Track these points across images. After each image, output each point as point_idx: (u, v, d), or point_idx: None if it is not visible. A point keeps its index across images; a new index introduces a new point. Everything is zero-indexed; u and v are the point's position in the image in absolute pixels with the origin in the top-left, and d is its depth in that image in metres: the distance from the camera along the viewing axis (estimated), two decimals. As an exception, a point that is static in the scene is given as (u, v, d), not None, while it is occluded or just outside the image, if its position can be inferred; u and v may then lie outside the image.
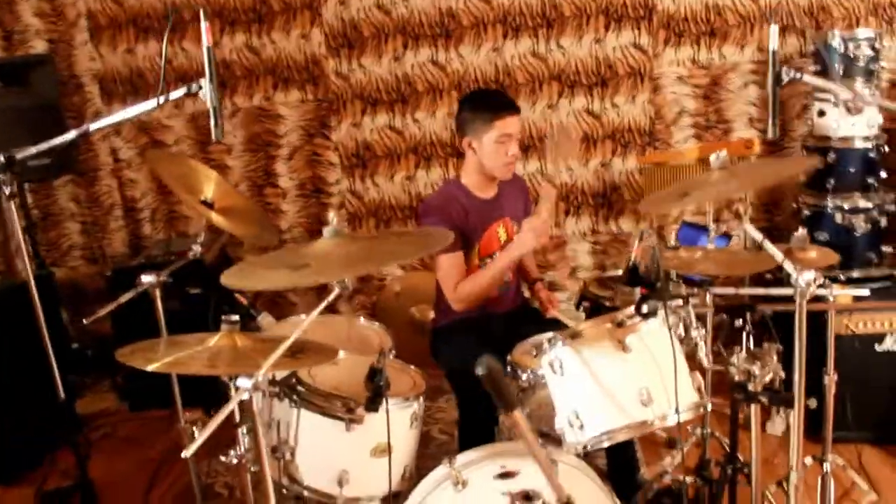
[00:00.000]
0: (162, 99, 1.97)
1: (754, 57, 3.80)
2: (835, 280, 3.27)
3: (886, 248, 3.46)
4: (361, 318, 2.79)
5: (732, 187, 2.02)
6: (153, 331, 2.36)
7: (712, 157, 2.01)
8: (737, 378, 2.03)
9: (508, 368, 2.40)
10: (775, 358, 2.06)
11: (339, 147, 4.02)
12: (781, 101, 3.82)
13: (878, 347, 2.98)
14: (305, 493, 2.16)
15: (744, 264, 2.56)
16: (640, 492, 2.49)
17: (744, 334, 2.14)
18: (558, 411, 1.95)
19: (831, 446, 2.40)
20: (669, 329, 1.86)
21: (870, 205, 3.35)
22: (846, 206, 3.36)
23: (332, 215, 1.95)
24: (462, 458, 2.13)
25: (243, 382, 1.54)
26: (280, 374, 2.24)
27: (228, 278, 1.81)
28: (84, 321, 2.21)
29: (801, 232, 1.93)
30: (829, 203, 3.37)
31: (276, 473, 2.19)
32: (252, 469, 2.19)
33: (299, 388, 2.15)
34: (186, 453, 1.42)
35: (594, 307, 3.14)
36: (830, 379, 2.25)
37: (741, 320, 2.15)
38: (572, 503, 1.31)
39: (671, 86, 3.86)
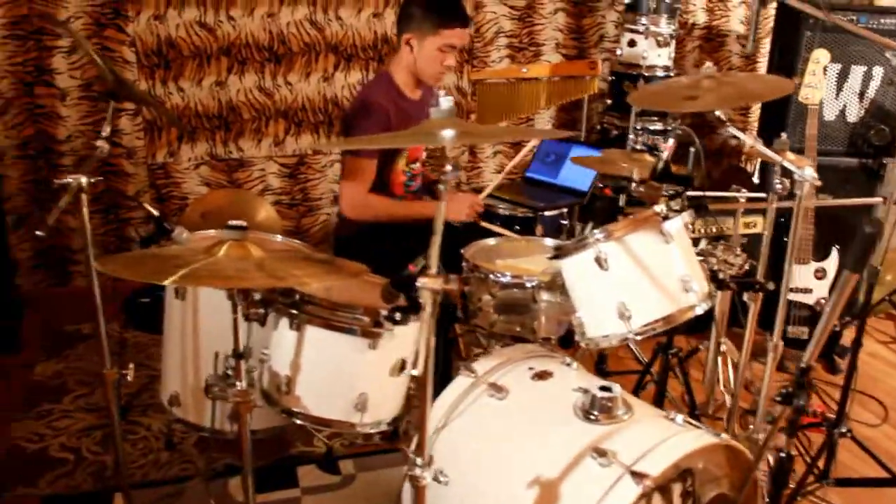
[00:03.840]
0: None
1: (568, -16, 4.02)
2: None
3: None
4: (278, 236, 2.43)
5: (724, 96, 2.14)
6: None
7: (706, 66, 2.12)
8: (715, 267, 2.23)
9: (468, 270, 2.32)
10: (740, 249, 2.30)
11: (137, 42, 3.37)
12: (582, 31, 4.14)
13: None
14: (307, 424, 1.89)
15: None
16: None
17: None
18: (591, 305, 1.96)
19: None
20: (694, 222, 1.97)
21: (668, 127, 3.82)
22: (650, 128, 3.79)
23: None
24: (479, 366, 2.02)
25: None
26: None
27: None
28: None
29: (783, 136, 2.14)
30: (637, 125, 3.77)
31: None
32: (258, 404, 1.86)
33: (306, 304, 1.83)
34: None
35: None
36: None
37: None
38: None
39: (492, 5, 3.92)
